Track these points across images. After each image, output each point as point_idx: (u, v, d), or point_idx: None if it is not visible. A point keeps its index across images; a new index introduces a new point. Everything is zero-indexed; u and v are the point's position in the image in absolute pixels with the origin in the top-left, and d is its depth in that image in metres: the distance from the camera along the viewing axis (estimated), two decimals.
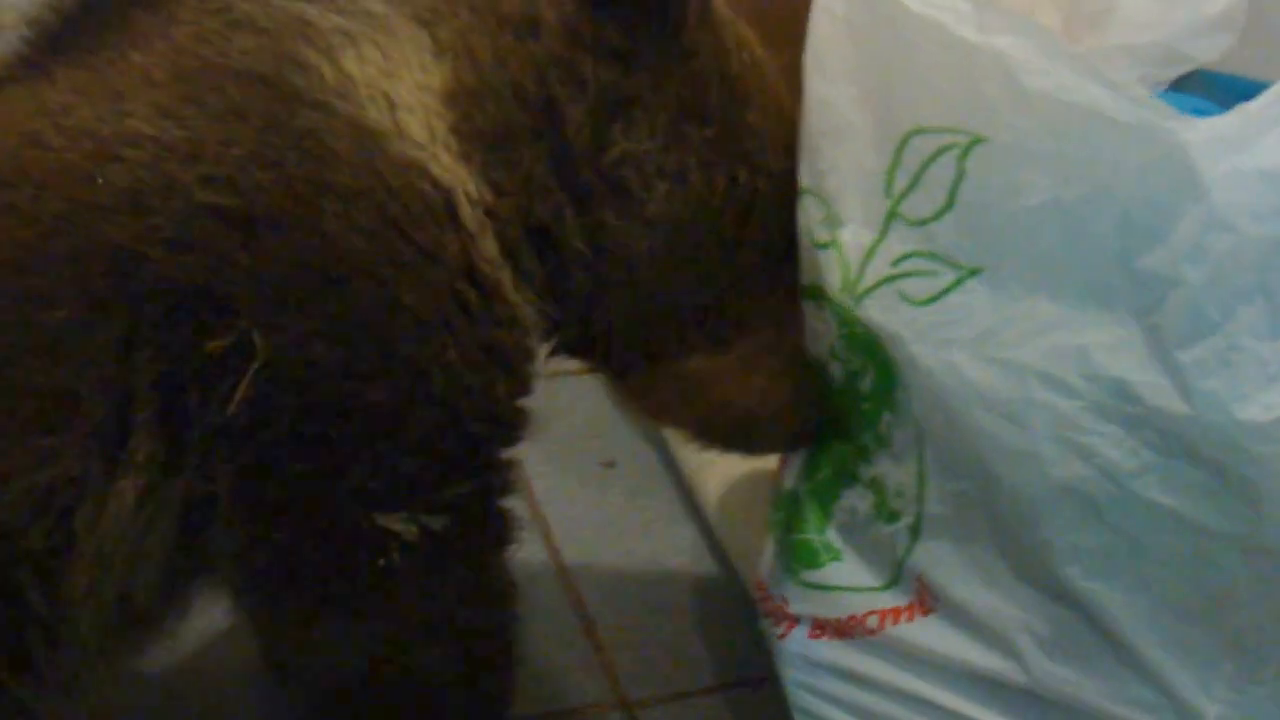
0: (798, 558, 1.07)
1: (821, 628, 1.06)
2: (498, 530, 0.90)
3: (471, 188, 0.83)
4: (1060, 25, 0.98)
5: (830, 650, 1.06)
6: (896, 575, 0.98)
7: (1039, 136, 0.81)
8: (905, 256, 0.89)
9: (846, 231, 0.93)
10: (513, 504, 0.91)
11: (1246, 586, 0.81)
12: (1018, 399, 0.85)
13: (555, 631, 1.31)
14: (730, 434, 1.05)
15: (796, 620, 1.09)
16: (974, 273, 0.86)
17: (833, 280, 0.94)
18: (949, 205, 0.86)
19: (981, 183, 0.84)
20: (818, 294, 0.96)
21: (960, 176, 0.85)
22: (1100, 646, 0.88)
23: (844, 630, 1.04)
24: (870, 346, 0.93)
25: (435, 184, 0.81)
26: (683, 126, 0.90)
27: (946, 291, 0.87)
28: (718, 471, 1.37)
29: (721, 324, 0.97)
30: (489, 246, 0.84)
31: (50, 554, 0.77)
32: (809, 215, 0.97)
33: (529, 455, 1.43)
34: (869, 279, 0.92)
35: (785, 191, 0.94)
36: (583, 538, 1.42)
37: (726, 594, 1.35)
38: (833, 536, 1.04)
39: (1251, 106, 0.76)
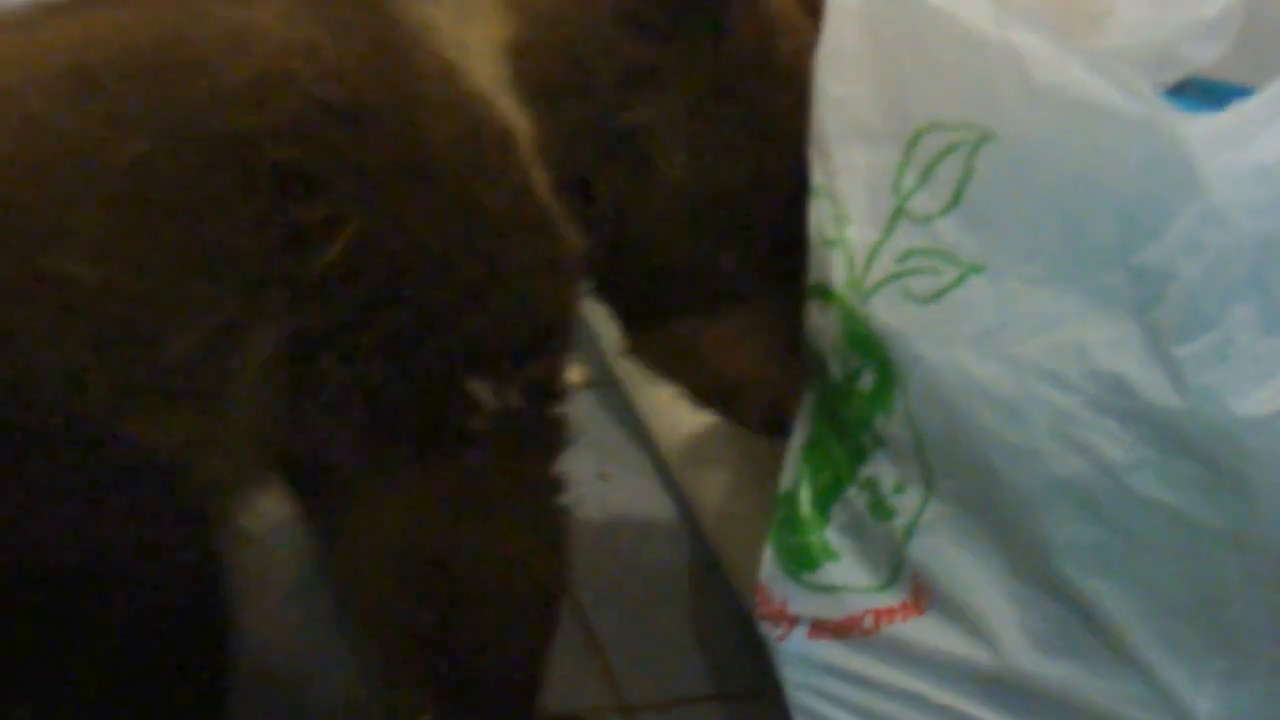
0: (796, 559, 1.10)
1: (820, 628, 1.09)
2: (559, 426, 1.00)
3: (525, 128, 0.94)
4: (1059, 28, 1.01)
5: (829, 651, 1.08)
6: (894, 574, 1.01)
7: (1046, 132, 0.84)
8: (910, 254, 0.93)
9: (854, 229, 0.97)
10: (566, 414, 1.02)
11: (1238, 581, 0.84)
12: (1019, 395, 0.88)
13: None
14: (712, 397, 1.15)
15: (796, 621, 1.11)
16: (976, 269, 0.89)
17: (839, 277, 0.98)
18: (955, 202, 0.89)
19: (988, 179, 0.88)
20: (823, 292, 1.00)
21: (968, 174, 0.89)
22: (1095, 643, 0.90)
23: (842, 630, 1.07)
24: (871, 345, 0.96)
25: (497, 118, 0.93)
26: (711, 103, 0.98)
27: (949, 288, 0.91)
28: (714, 481, 1.39)
29: (719, 293, 1.06)
30: (541, 178, 0.94)
31: (212, 395, 0.88)
32: (819, 213, 1.00)
33: None
34: (875, 276, 0.95)
35: (804, 179, 1.00)
36: (581, 547, 1.43)
37: (724, 604, 1.37)
38: (830, 537, 1.06)
39: (1248, 104, 0.79)
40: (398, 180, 0.89)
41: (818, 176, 1.00)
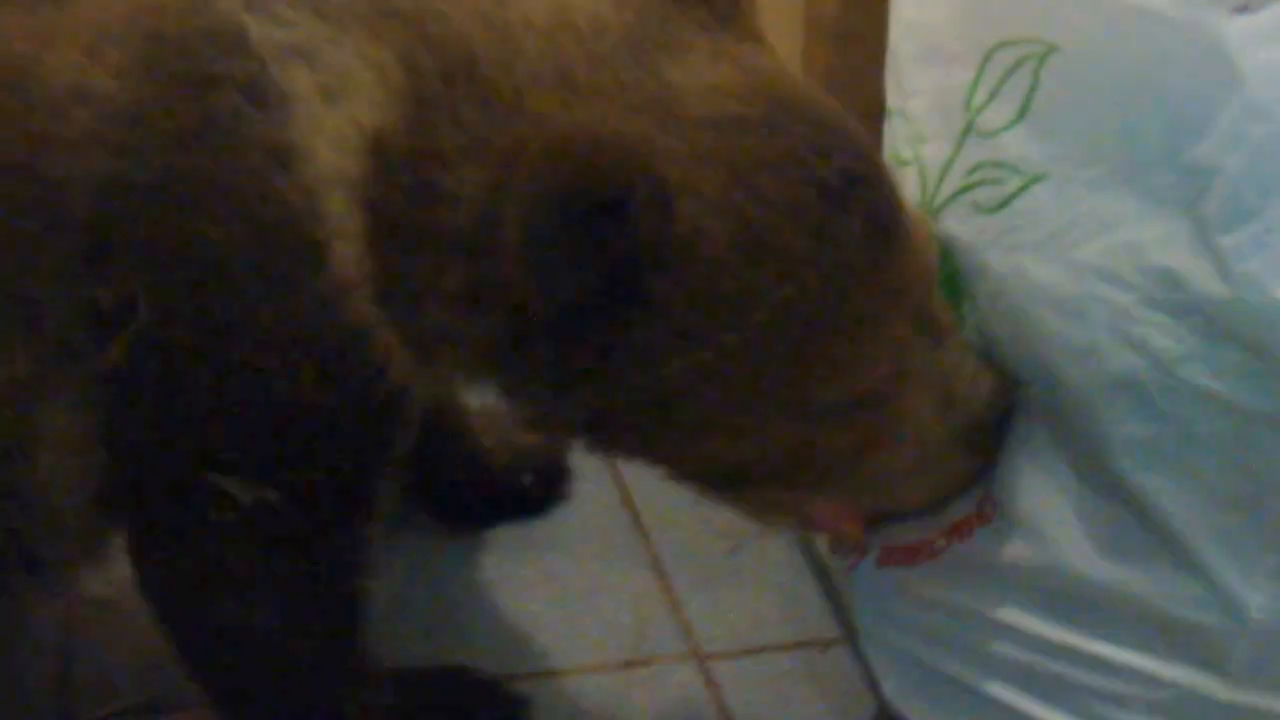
0: None
1: (890, 554, 1.21)
2: (334, 531, 1.06)
3: (354, 248, 0.94)
4: None
5: (898, 577, 1.21)
6: None
7: (1104, 41, 0.97)
8: (977, 167, 1.06)
9: (929, 148, 1.11)
10: (368, 530, 1.09)
11: None
12: (1079, 296, 1.00)
13: (632, 585, 1.47)
14: None
15: (866, 550, 1.24)
16: (1039, 178, 1.02)
17: (912, 197, 1.11)
18: (1021, 115, 1.03)
19: (1052, 90, 1.01)
20: None
21: (1034, 86, 1.02)
22: (1152, 543, 1.02)
23: (912, 555, 1.19)
24: (942, 260, 1.09)
25: (310, 226, 0.93)
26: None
27: (1013, 197, 1.03)
28: None
29: None
30: (358, 301, 0.95)
31: (18, 443, 0.97)
32: (894, 134, 1.15)
33: None
34: (945, 192, 1.09)
35: None
36: (659, 497, 1.56)
37: (802, 555, 1.50)
38: None
39: None
40: (184, 277, 0.92)
41: (892, 99, 1.14)
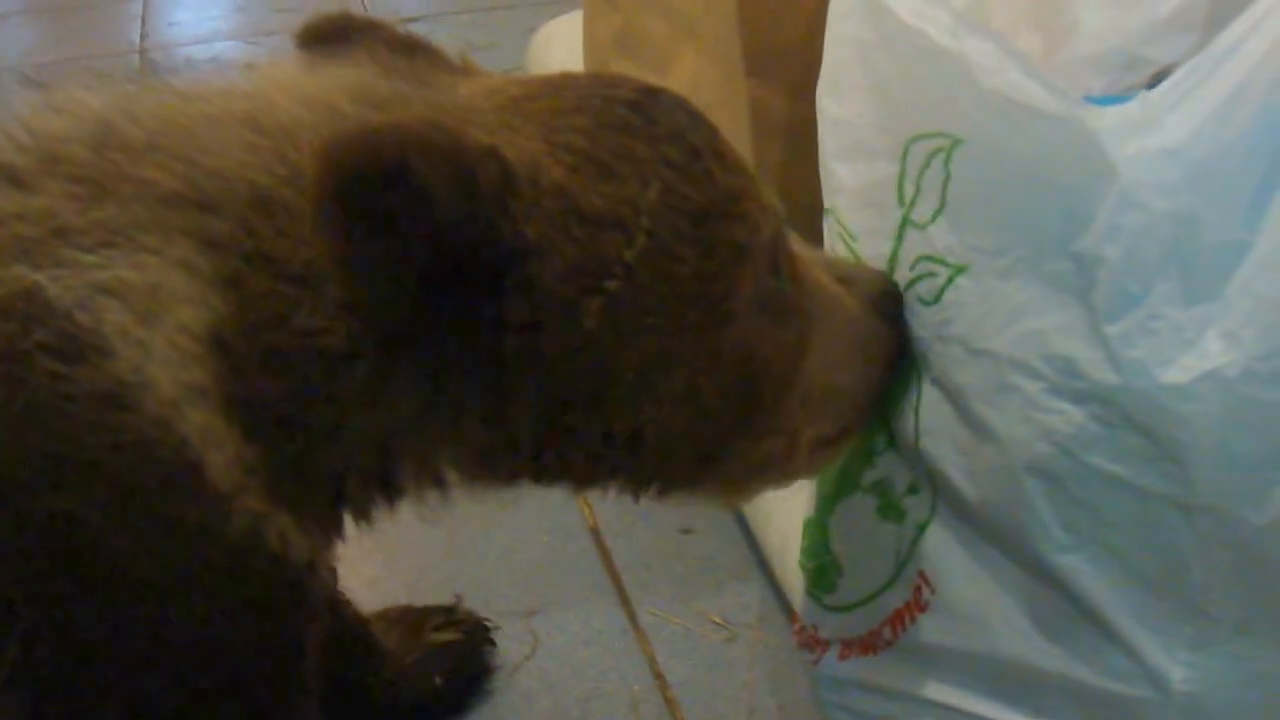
0: (816, 583, 1.31)
1: (848, 647, 1.28)
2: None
3: (228, 447, 0.92)
4: (1040, 44, 1.20)
5: (857, 668, 1.28)
6: (897, 572, 1.19)
7: (996, 134, 1.04)
8: (918, 260, 1.13)
9: (861, 245, 1.18)
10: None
11: (1192, 546, 1.00)
12: (996, 387, 1.07)
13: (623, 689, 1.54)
14: None
15: (827, 645, 1.31)
16: (961, 269, 1.09)
17: None
18: (941, 207, 1.10)
19: (962, 182, 1.08)
20: None
21: (947, 178, 1.09)
22: (1079, 622, 1.08)
23: (867, 646, 1.26)
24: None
25: (179, 446, 0.90)
26: None
27: (944, 290, 1.11)
28: (776, 527, 1.57)
29: None
30: (245, 501, 0.93)
31: None
32: (830, 233, 1.22)
33: (611, 517, 1.67)
34: None
35: None
36: (660, 600, 1.65)
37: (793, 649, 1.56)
38: (837, 550, 1.27)
39: (1154, 92, 0.98)
40: (47, 565, 0.89)
41: (826, 199, 1.22)
